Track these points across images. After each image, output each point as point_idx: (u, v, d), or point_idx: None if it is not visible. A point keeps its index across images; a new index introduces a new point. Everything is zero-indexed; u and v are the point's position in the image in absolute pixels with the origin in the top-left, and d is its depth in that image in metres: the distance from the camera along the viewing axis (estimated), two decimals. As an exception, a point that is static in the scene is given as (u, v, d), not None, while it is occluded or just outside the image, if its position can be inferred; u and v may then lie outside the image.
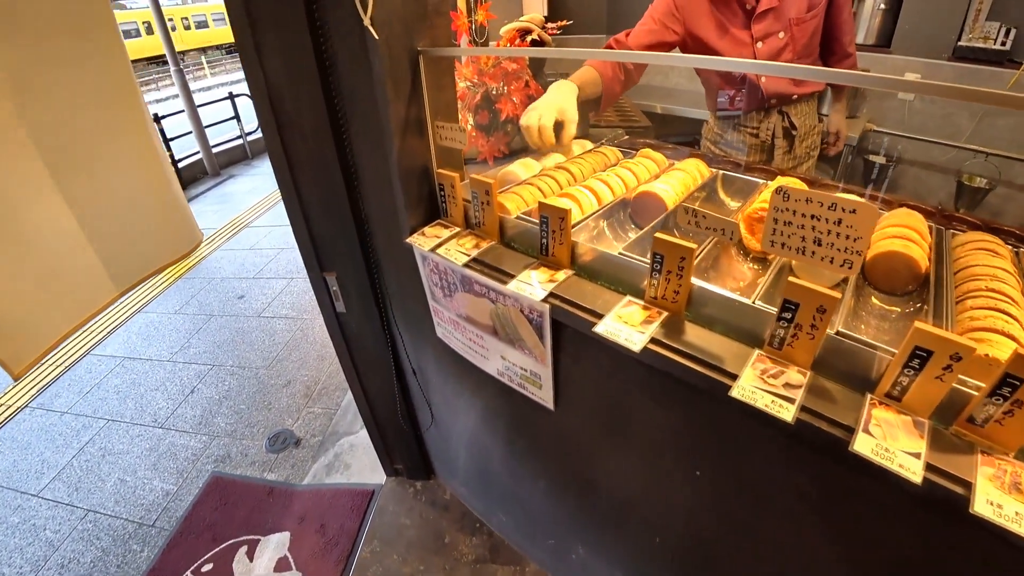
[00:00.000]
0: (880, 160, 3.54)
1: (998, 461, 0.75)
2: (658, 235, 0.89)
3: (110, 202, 1.34)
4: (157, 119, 6.23)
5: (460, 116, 1.96)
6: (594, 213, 1.23)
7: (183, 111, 6.71)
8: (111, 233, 1.34)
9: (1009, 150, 3.20)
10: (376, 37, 1.17)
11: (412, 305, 1.61)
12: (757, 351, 0.90)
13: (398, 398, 1.97)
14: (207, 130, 7.00)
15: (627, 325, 0.93)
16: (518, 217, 1.22)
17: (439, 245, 1.27)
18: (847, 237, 0.76)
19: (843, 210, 0.74)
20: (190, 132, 6.82)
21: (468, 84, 2.00)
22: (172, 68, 6.51)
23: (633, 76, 1.98)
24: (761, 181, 1.47)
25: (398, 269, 1.60)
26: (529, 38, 1.98)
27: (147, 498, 2.59)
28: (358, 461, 2.70)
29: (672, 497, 1.17)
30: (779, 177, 1.37)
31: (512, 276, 1.11)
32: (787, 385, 0.85)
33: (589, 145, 1.72)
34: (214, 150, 7.22)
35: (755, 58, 1.94)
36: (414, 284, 1.50)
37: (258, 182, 6.89)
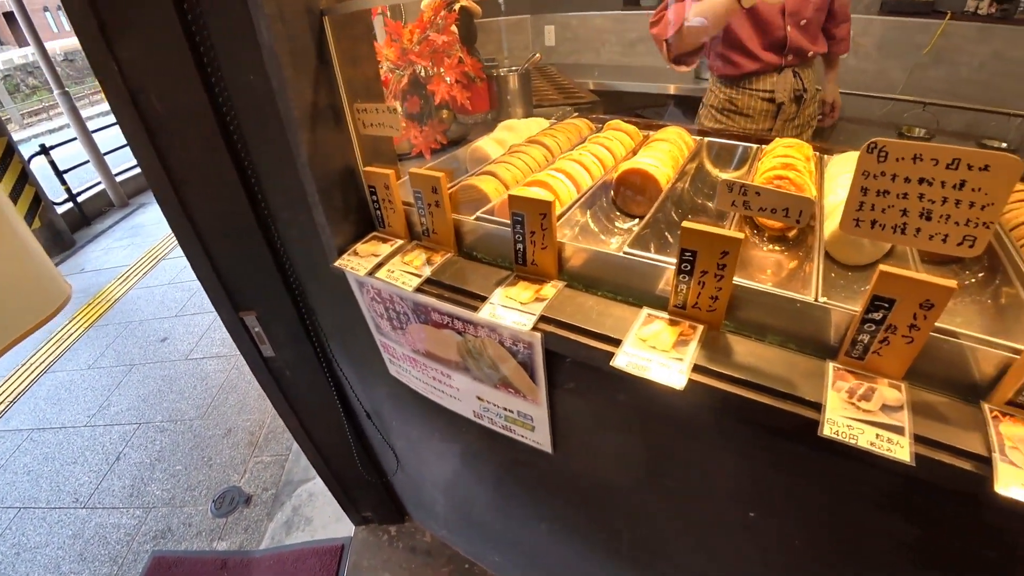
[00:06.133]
0: (822, 118, 3.50)
1: None
2: (686, 224, 0.63)
3: None
4: (44, 150, 5.55)
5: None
6: (575, 203, 0.96)
7: (76, 139, 6.01)
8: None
9: (942, 99, 3.23)
10: (258, -8, 0.87)
11: (356, 340, 1.31)
12: (832, 364, 0.66)
13: (353, 445, 1.66)
14: (109, 157, 6.30)
15: (656, 351, 0.67)
16: (478, 218, 0.94)
17: (378, 266, 0.97)
18: (971, 205, 0.53)
19: (969, 167, 0.51)
20: (87, 161, 6.13)
21: (391, 67, 1.70)
22: (56, 92, 5.81)
23: None
24: (753, 146, 1.24)
25: (332, 298, 1.29)
26: (458, 6, 1.69)
27: (76, 598, 2.18)
28: (320, 512, 2.37)
29: (718, 541, 0.93)
30: (777, 139, 1.15)
31: (483, 298, 0.83)
32: (885, 408, 0.62)
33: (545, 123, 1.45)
34: (119, 178, 6.53)
35: (784, 6, 1.88)
36: (354, 315, 1.20)
37: (173, 208, 6.25)
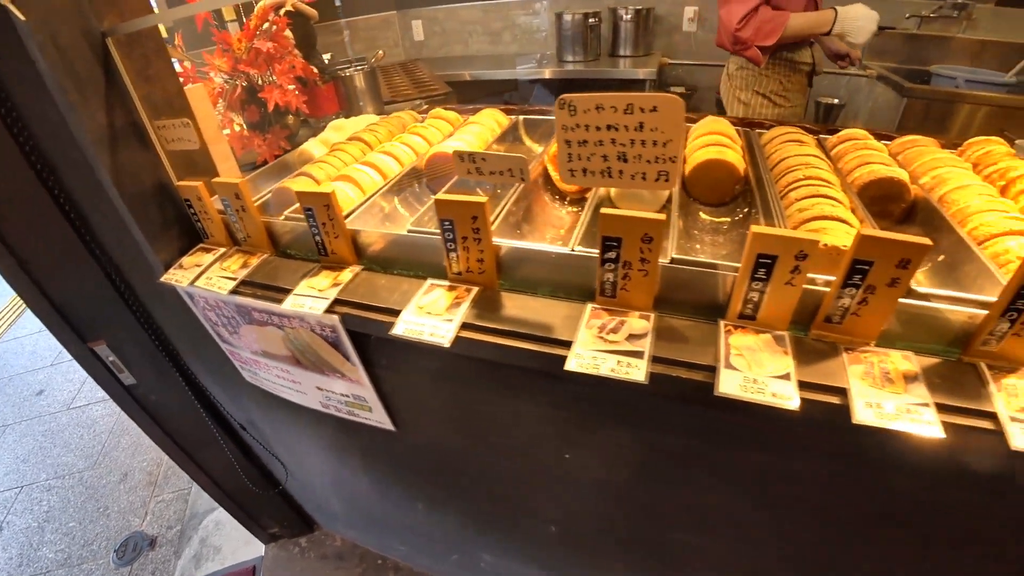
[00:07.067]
0: (680, 90, 3.74)
1: (863, 355, 0.70)
2: (439, 196, 0.70)
3: None
4: None
5: (222, 116, 1.65)
6: (379, 191, 1.01)
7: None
8: None
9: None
10: (22, 19, 0.86)
11: (210, 352, 1.30)
12: (591, 305, 0.76)
13: (236, 460, 1.64)
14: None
15: (431, 316, 0.74)
16: (288, 217, 0.97)
17: (199, 275, 0.99)
18: (655, 143, 0.62)
19: (642, 110, 0.60)
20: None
21: (225, 77, 1.68)
22: None
23: None
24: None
25: (176, 314, 1.27)
26: (283, 11, 1.69)
27: None
28: (229, 538, 2.31)
29: (550, 485, 1.02)
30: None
31: (289, 291, 0.87)
32: (631, 337, 0.72)
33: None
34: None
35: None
36: (201, 328, 1.20)
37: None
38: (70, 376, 3.46)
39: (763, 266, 0.67)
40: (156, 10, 1.12)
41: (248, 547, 2.21)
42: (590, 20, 3.50)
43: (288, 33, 1.76)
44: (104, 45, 0.97)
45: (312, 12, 1.93)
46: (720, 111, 2.61)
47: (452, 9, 4.16)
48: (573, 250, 0.77)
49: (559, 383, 0.77)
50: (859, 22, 1.89)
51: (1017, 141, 1.67)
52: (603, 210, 0.66)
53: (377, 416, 1.01)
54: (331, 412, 1.09)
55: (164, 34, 2.25)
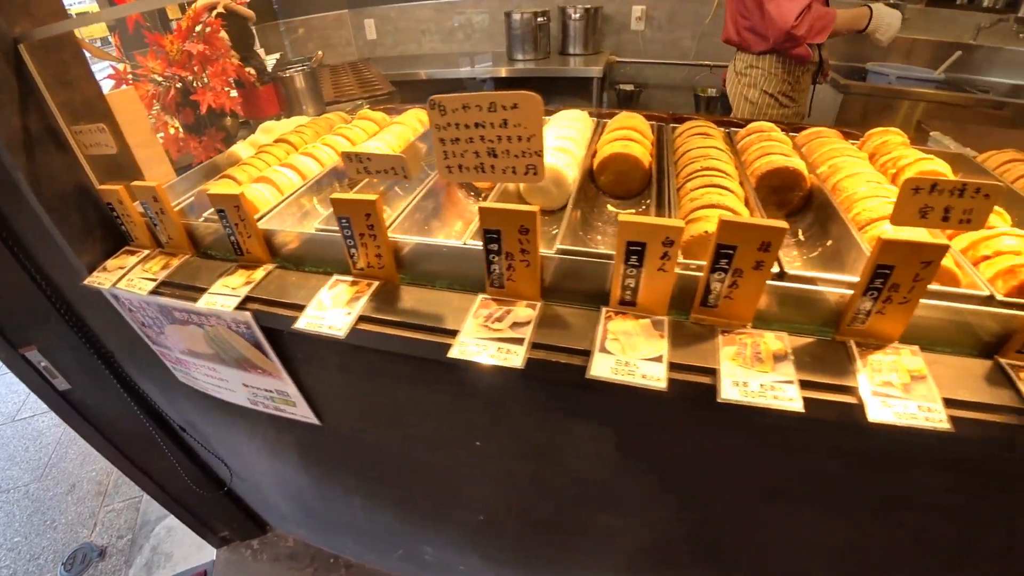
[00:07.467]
0: (628, 87, 3.82)
1: (738, 336, 0.73)
2: (334, 195, 0.74)
3: None
4: None
5: (155, 119, 1.65)
6: (296, 192, 1.04)
7: None
8: None
9: (726, 62, 3.64)
10: (-74, 28, 0.87)
11: (143, 354, 1.31)
12: (481, 296, 0.80)
13: (178, 462, 1.64)
14: None
15: (332, 310, 0.77)
16: (207, 219, 1.00)
17: (121, 278, 1.00)
18: (519, 139, 0.66)
19: (504, 107, 0.64)
20: None
21: (159, 79, 1.68)
22: None
23: None
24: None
25: (108, 317, 1.27)
26: (215, 13, 1.69)
27: None
28: (180, 545, 2.30)
29: (469, 474, 1.07)
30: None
31: (206, 290, 0.90)
32: (515, 325, 0.76)
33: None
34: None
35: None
36: (132, 330, 1.21)
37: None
38: (15, 388, 3.37)
39: (634, 253, 0.70)
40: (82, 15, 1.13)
41: (200, 552, 2.20)
42: (539, 19, 3.54)
43: (223, 35, 1.77)
44: (16, 52, 0.98)
45: (249, 13, 1.93)
46: (724, 109, 2.66)
47: (404, 8, 4.16)
48: (465, 244, 0.81)
49: (456, 372, 0.81)
50: (886, 19, 1.98)
51: (932, 133, 1.78)
52: (480, 204, 0.71)
53: (302, 411, 1.05)
54: (260, 408, 1.12)
55: (107, 33, 2.23)
